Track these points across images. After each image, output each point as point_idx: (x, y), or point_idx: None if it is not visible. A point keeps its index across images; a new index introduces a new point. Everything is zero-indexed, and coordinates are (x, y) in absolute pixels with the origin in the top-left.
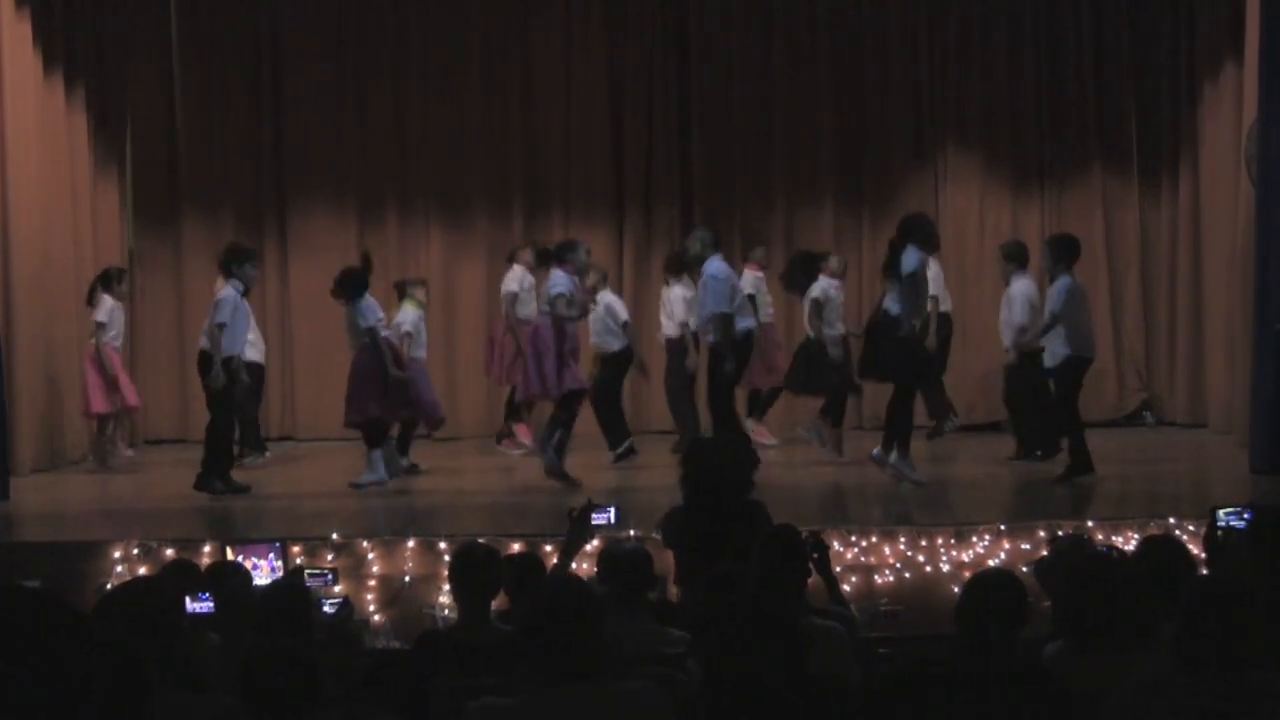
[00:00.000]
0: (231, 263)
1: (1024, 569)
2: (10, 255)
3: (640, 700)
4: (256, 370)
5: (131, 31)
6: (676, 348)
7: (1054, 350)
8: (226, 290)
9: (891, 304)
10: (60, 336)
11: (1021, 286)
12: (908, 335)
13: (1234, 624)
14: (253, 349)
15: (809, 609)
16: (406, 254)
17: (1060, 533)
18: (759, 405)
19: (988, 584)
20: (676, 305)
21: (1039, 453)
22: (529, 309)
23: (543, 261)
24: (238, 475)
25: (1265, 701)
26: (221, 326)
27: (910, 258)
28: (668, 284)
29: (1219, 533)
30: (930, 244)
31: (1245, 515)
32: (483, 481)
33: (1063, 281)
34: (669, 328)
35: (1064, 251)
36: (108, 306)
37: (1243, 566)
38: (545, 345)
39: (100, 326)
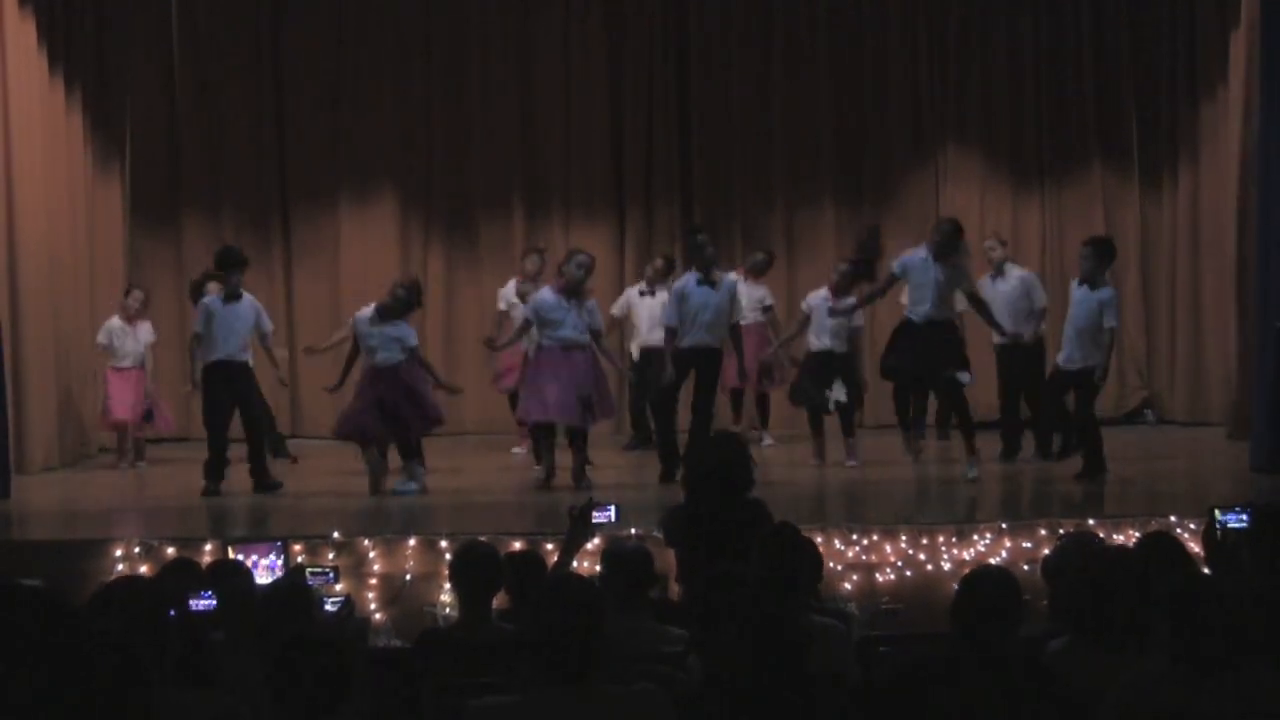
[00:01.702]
0: (220, 267)
1: (1025, 567)
2: (18, 257)
3: (642, 702)
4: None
5: (132, 31)
6: (659, 355)
7: (1085, 356)
8: (208, 298)
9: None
10: (66, 337)
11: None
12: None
13: (1233, 624)
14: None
15: (809, 607)
16: (407, 253)
17: (1063, 530)
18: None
19: (983, 582)
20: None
21: (1055, 450)
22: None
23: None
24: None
25: (1264, 701)
26: (196, 337)
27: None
28: (652, 293)
29: (1218, 532)
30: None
31: (1244, 515)
32: (483, 480)
33: (1113, 293)
34: (658, 334)
35: (1109, 256)
36: (107, 328)
37: (1242, 566)
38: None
39: (103, 349)
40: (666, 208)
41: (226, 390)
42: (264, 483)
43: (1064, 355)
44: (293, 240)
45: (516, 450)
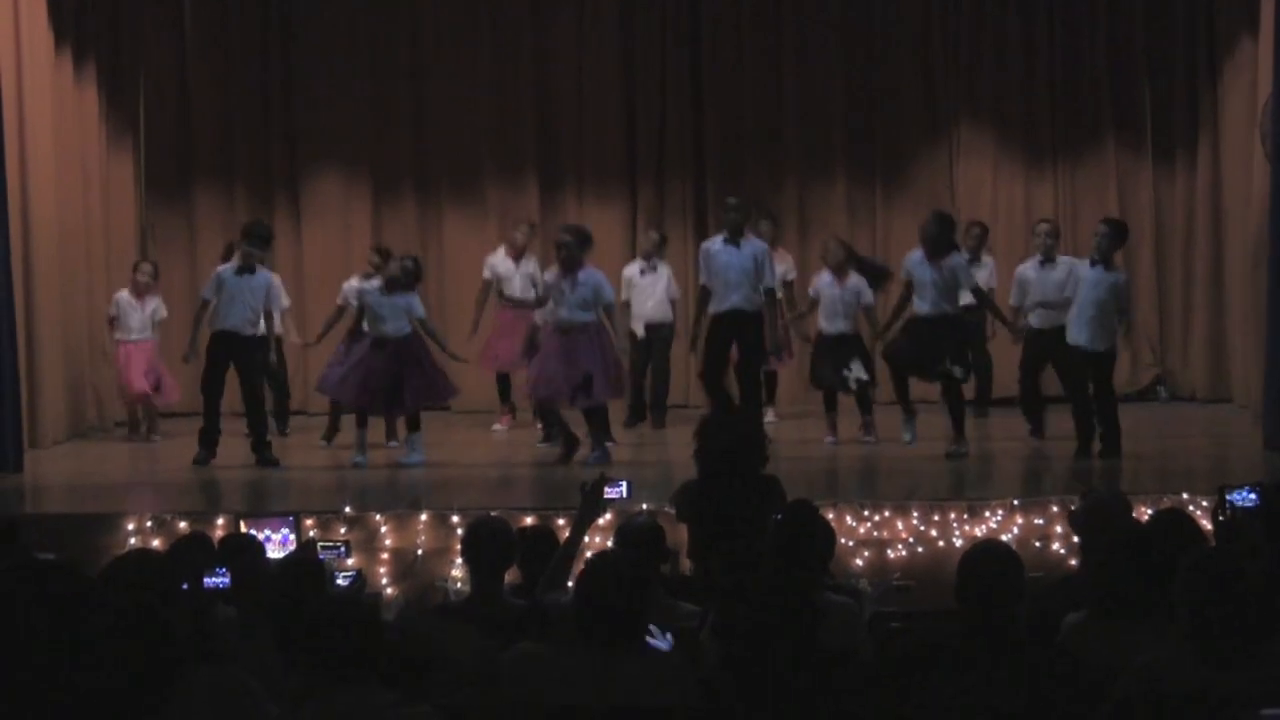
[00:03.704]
0: (244, 236)
1: (1036, 544)
2: (31, 232)
3: (664, 663)
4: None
5: (144, 5)
6: (669, 331)
7: (1105, 337)
8: (222, 266)
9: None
10: (78, 312)
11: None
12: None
13: (1242, 603)
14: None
15: (822, 584)
16: (419, 228)
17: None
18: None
19: (981, 558)
20: (667, 284)
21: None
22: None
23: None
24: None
25: (1272, 680)
26: (204, 304)
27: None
28: (653, 269)
29: (1228, 511)
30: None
31: (1253, 493)
32: (495, 455)
33: (1127, 278)
34: (660, 310)
35: (1124, 237)
36: (115, 300)
37: (1249, 544)
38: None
39: (110, 321)
40: (679, 184)
41: (225, 362)
42: (264, 457)
43: (1085, 338)
44: (304, 215)
45: (497, 427)
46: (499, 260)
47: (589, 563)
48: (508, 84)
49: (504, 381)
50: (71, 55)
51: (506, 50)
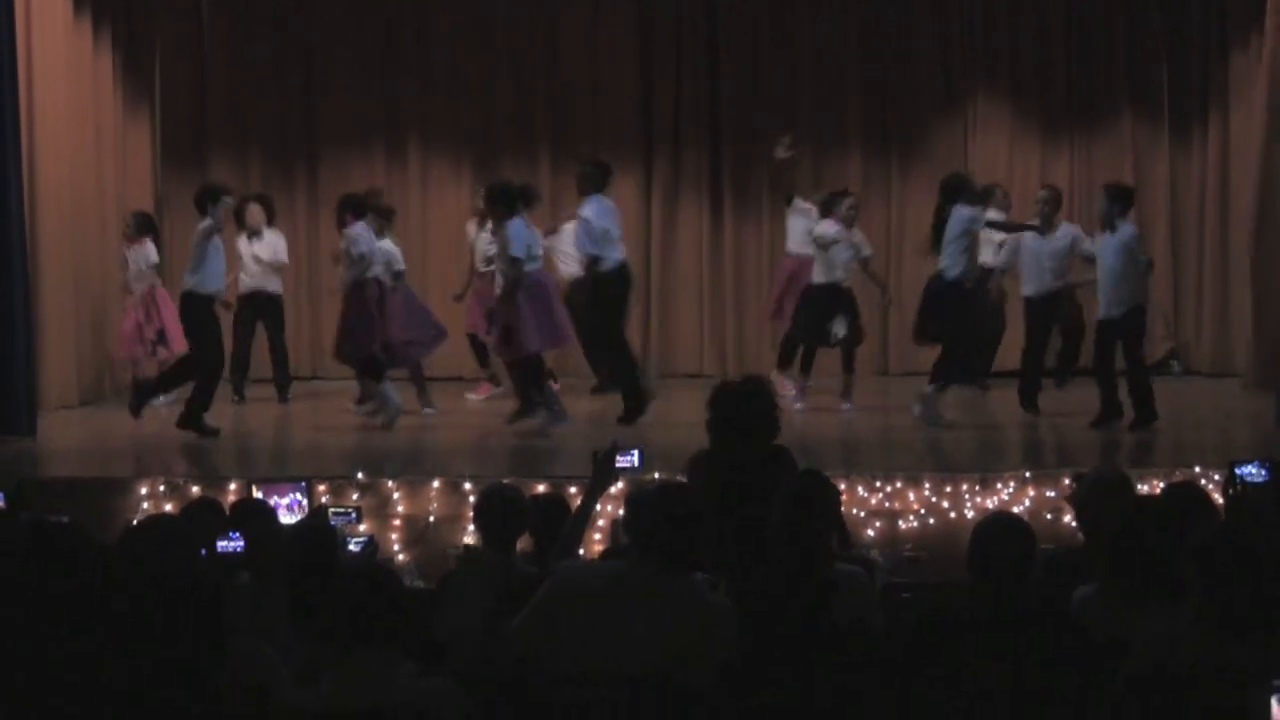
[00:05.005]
0: (203, 201)
1: (1048, 516)
2: (38, 197)
3: (702, 590)
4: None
5: None
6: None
7: (1122, 300)
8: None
9: (948, 267)
10: (87, 278)
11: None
12: (968, 295)
13: (1254, 577)
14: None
15: (833, 555)
16: (433, 199)
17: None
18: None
19: (992, 530)
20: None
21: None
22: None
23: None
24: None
25: None
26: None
27: (960, 215)
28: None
29: (1238, 485)
30: (978, 198)
31: (1264, 468)
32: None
33: (1133, 230)
34: (573, 265)
35: (1119, 199)
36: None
37: (1263, 519)
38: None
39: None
40: (694, 152)
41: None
42: (196, 422)
43: (1110, 308)
44: (319, 186)
45: (470, 395)
46: (470, 226)
47: (659, 487)
48: (522, 55)
49: (479, 347)
50: (90, 22)
51: (521, 20)
